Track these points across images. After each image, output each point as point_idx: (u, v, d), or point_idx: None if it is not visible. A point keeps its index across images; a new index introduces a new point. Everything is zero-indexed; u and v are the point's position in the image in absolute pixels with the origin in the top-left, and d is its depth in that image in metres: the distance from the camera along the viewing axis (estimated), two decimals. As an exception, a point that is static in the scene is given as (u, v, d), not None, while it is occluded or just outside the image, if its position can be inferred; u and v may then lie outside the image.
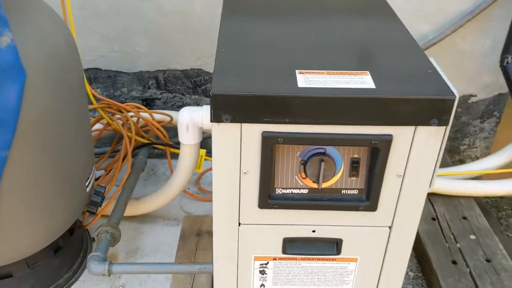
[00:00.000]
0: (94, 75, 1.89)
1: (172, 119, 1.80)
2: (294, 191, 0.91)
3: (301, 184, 0.90)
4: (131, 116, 1.69)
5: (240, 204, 0.91)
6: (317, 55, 0.92)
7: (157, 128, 1.70)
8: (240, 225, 0.94)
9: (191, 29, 1.79)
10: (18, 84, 0.97)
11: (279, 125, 0.82)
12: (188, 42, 1.81)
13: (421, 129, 0.82)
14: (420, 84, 0.82)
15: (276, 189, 0.90)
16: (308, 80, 0.82)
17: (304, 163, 0.88)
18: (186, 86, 1.93)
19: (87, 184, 1.29)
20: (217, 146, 0.85)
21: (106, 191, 1.51)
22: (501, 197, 2.04)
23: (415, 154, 0.85)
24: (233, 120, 0.81)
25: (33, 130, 1.04)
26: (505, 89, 1.78)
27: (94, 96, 1.59)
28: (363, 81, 0.82)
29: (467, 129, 2.00)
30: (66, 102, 1.13)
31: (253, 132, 0.83)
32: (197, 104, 1.97)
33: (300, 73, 0.84)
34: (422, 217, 1.65)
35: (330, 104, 0.80)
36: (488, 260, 1.51)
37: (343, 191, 0.91)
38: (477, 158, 2.05)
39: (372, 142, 0.83)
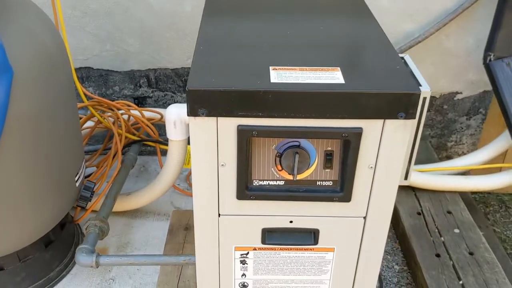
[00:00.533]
0: (87, 74, 1.92)
1: (162, 116, 1.84)
2: (271, 182, 0.94)
3: (278, 176, 0.94)
4: (122, 114, 1.73)
5: (219, 196, 0.94)
6: (292, 52, 0.96)
7: (147, 126, 1.74)
8: (220, 216, 0.97)
9: (181, 29, 1.82)
10: (5, 81, 1.00)
11: (254, 118, 0.86)
12: (178, 42, 1.85)
13: (390, 122, 0.85)
14: (388, 79, 0.85)
15: (254, 180, 0.94)
16: (281, 75, 0.86)
17: (280, 156, 0.91)
18: (177, 84, 1.96)
19: (76, 179, 1.32)
20: (195, 139, 0.88)
21: (97, 187, 1.54)
22: (489, 193, 2.08)
23: (385, 147, 0.88)
24: (209, 114, 0.85)
25: (22, 126, 1.08)
26: (490, 86, 1.81)
27: (85, 94, 1.62)
28: (333, 76, 0.86)
29: (453, 126, 2.04)
30: (54, 99, 1.16)
31: (229, 125, 0.86)
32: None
33: (273, 69, 0.88)
34: (407, 212, 1.71)
35: (301, 99, 0.83)
36: (471, 253, 1.54)
37: (318, 183, 0.94)
38: (464, 154, 2.08)
39: (343, 135, 0.87)
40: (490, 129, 2.01)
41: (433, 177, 1.78)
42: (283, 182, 0.94)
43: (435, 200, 1.76)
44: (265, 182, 0.94)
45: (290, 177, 0.93)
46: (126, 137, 1.70)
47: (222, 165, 0.91)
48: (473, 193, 1.97)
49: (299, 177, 0.93)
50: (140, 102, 1.99)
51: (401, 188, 1.80)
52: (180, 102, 2.00)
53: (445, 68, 1.90)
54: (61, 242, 1.42)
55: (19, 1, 1.20)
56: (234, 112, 0.85)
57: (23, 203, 1.17)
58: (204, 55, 0.93)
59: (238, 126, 0.86)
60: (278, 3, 1.22)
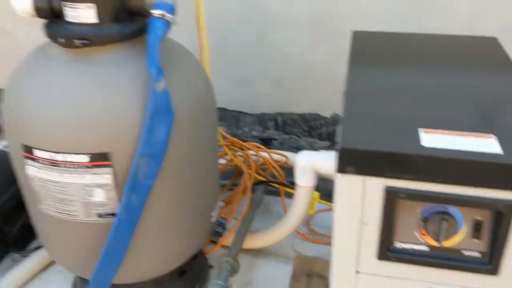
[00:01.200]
0: (220, 114, 2.06)
1: (287, 159, 1.89)
2: (414, 247, 0.93)
3: (421, 240, 0.92)
4: (252, 155, 1.81)
5: (360, 253, 0.95)
6: (442, 112, 0.95)
7: (274, 167, 1.80)
8: (358, 273, 0.97)
9: (312, 77, 1.89)
10: (167, 123, 1.11)
11: (402, 180, 0.86)
12: (307, 88, 1.91)
13: (550, 197, 0.81)
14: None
15: (395, 242, 0.93)
16: (433, 139, 0.86)
17: (425, 220, 0.90)
18: (302, 129, 2.02)
19: (212, 215, 1.41)
20: (340, 195, 0.90)
21: (227, 223, 1.63)
22: None
23: (543, 222, 0.83)
24: (357, 172, 0.87)
25: (175, 164, 1.19)
26: None
27: (221, 134, 1.74)
28: (488, 144, 0.84)
29: None
30: (203, 141, 1.27)
31: (375, 185, 0.88)
32: (312, 146, 2.05)
33: (425, 132, 0.88)
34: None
35: (454, 166, 0.82)
36: None
37: (464, 252, 0.91)
38: None
39: (496, 206, 0.84)
40: None
41: None
42: (426, 247, 0.92)
43: None
44: (407, 245, 0.93)
45: (434, 243, 0.91)
46: (254, 177, 1.78)
47: (365, 223, 0.92)
48: None
49: (445, 244, 0.90)
50: (267, 143, 2.07)
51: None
52: (304, 146, 2.06)
53: None
54: (192, 273, 1.50)
55: (176, 48, 1.33)
56: (382, 172, 0.86)
57: (168, 233, 1.26)
58: (354, 111, 0.96)
59: (387, 187, 0.87)
60: (424, 56, 1.22)
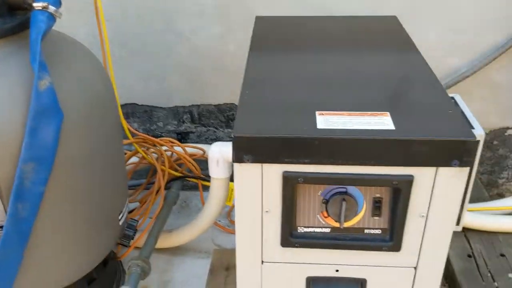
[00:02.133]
0: (132, 110, 1.97)
1: (204, 152, 1.84)
2: (316, 229, 0.92)
3: (323, 223, 0.91)
4: (165, 150, 1.74)
5: (263, 242, 0.92)
6: (339, 94, 0.94)
7: (189, 162, 1.75)
8: (263, 263, 0.95)
9: (224, 67, 1.84)
10: (55, 124, 1.02)
11: (299, 165, 0.84)
12: (221, 79, 1.87)
13: (443, 170, 0.81)
14: (440, 125, 0.82)
15: (298, 227, 0.91)
16: (328, 121, 0.84)
17: (326, 202, 0.89)
18: (219, 120, 1.97)
19: (120, 217, 1.33)
20: (239, 185, 0.87)
21: (140, 223, 1.55)
22: (545, 233, 1.96)
23: (438, 195, 0.84)
24: (254, 160, 0.84)
25: (71, 167, 1.10)
26: (544, 122, 1.74)
27: (130, 131, 1.65)
28: (383, 122, 0.83)
29: (505, 162, 1.95)
30: (102, 141, 1.18)
31: (274, 172, 0.85)
32: (231, 137, 2.01)
33: (320, 114, 0.86)
34: (457, 254, 1.62)
35: (349, 145, 0.81)
36: (528, 301, 1.45)
37: (366, 231, 0.91)
38: (516, 192, 1.98)
39: (393, 182, 0.83)
40: (545, 166, 1.91)
41: (484, 216, 1.69)
42: (329, 229, 0.91)
43: (486, 242, 1.67)
44: (310, 229, 0.91)
45: (337, 225, 0.90)
46: (169, 173, 1.71)
47: (267, 211, 0.89)
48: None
49: (346, 224, 0.90)
50: (183, 137, 2.01)
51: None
52: (223, 138, 2.01)
53: (495, 103, 1.83)
54: (104, 279, 1.42)
55: (69, 43, 1.24)
56: (279, 158, 0.83)
57: (68, 241, 1.18)
58: (250, 99, 0.93)
59: (284, 172, 0.85)
60: (325, 39, 1.22)
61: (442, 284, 1.64)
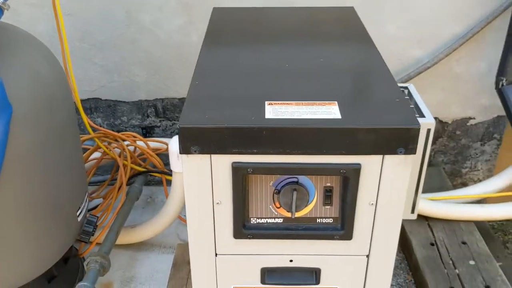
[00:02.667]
0: (95, 105, 1.93)
1: (168, 146, 1.82)
2: (269, 220, 0.91)
3: (276, 213, 0.91)
4: (127, 145, 1.72)
5: (216, 235, 0.92)
6: (289, 85, 0.94)
7: (152, 156, 1.73)
8: (217, 255, 0.94)
9: (188, 59, 1.82)
10: (4, 119, 1.00)
11: (249, 155, 0.83)
12: (184, 72, 1.85)
13: (389, 158, 0.82)
14: (386, 113, 0.83)
15: (251, 218, 0.91)
16: (276, 111, 0.84)
17: (278, 193, 0.88)
18: (185, 114, 1.95)
19: (78, 213, 1.31)
20: (188, 177, 0.86)
21: (102, 220, 1.53)
22: (508, 220, 2.00)
23: (385, 183, 0.84)
24: (202, 152, 0.83)
25: (22, 161, 1.07)
26: (503, 111, 1.76)
27: (90, 126, 1.62)
28: (330, 111, 0.83)
29: (467, 152, 1.98)
30: (55, 135, 1.16)
31: (223, 163, 0.84)
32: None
33: (269, 104, 0.86)
34: (420, 242, 1.65)
35: (296, 135, 0.81)
36: (487, 287, 1.47)
37: (318, 220, 0.91)
38: (479, 181, 2.02)
39: (341, 171, 0.84)
40: (506, 154, 1.95)
41: (447, 205, 1.72)
42: (281, 220, 0.91)
43: (449, 230, 1.69)
44: (263, 220, 0.91)
45: (289, 215, 0.90)
46: (132, 168, 1.69)
47: (218, 203, 0.88)
48: (489, 221, 1.90)
49: (298, 214, 0.90)
50: (148, 131, 1.99)
51: (414, 217, 1.74)
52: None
53: (456, 93, 1.85)
54: (64, 277, 1.39)
55: (21, 37, 1.21)
56: (228, 149, 0.83)
57: (23, 238, 1.15)
58: (199, 90, 0.92)
59: (233, 163, 0.84)
60: (280, 30, 1.21)
61: (406, 273, 1.67)
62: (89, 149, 1.72)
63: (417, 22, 1.74)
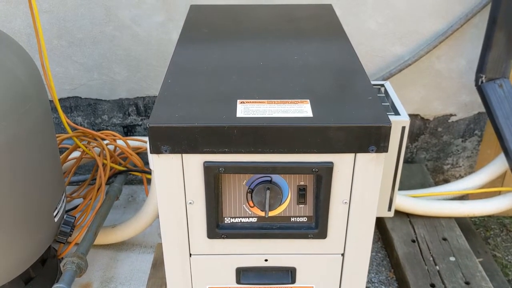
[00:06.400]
0: (75, 104, 1.91)
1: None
2: (243, 220, 0.91)
3: (250, 212, 0.90)
4: (107, 144, 1.70)
5: (189, 235, 0.91)
6: (262, 83, 0.93)
7: (132, 155, 1.71)
8: (191, 256, 0.93)
9: (168, 57, 1.81)
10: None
11: (220, 154, 0.82)
12: (165, 69, 1.83)
13: (361, 156, 0.81)
14: (358, 111, 0.82)
15: (225, 218, 0.90)
16: (248, 109, 0.83)
17: (251, 192, 0.88)
18: (166, 112, 1.94)
19: (55, 214, 1.29)
20: (160, 177, 0.85)
21: (82, 220, 1.51)
22: (489, 216, 2.01)
23: (358, 181, 0.84)
24: (173, 151, 0.82)
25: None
26: (484, 108, 1.77)
27: (69, 125, 1.60)
28: (301, 109, 0.82)
29: (449, 149, 1.99)
30: (28, 134, 1.14)
31: (194, 162, 0.83)
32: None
33: (241, 102, 0.85)
34: (401, 239, 1.65)
35: (266, 134, 0.80)
36: (467, 283, 1.48)
37: (292, 219, 0.91)
38: (461, 177, 2.03)
39: (313, 169, 0.83)
40: (487, 150, 1.96)
41: (428, 202, 1.72)
42: (255, 219, 0.90)
43: (430, 227, 1.70)
44: (237, 220, 0.90)
45: (263, 214, 0.89)
46: (112, 168, 1.67)
47: (190, 203, 0.87)
48: (470, 217, 1.91)
49: (272, 213, 0.89)
50: (130, 130, 1.97)
51: (396, 214, 1.75)
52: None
53: (437, 90, 1.86)
54: (42, 278, 1.38)
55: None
56: (199, 148, 0.82)
57: (-4, 240, 1.13)
58: (171, 88, 0.90)
59: (204, 162, 0.83)
60: (256, 28, 1.20)
61: (388, 270, 1.67)
62: (68, 148, 1.70)
63: (398, 19, 1.74)
